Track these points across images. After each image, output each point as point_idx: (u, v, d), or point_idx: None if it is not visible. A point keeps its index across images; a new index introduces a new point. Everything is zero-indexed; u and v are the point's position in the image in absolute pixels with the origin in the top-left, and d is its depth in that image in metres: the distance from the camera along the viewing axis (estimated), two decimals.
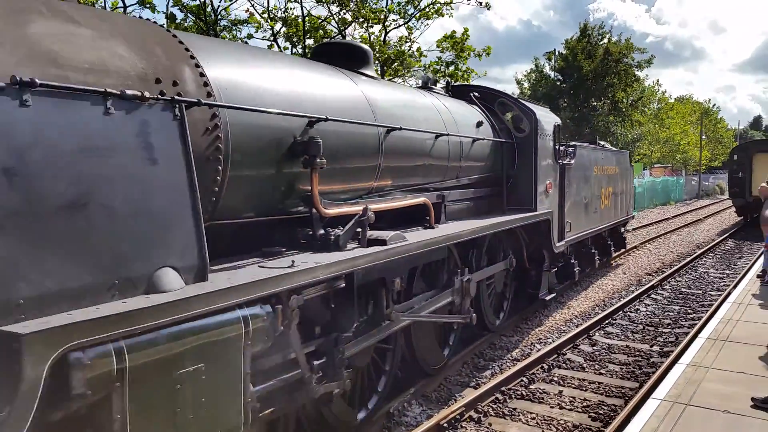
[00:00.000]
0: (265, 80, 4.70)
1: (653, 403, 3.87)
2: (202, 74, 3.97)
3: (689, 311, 11.28)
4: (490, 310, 8.99)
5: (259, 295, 3.63)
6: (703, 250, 18.39)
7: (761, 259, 9.60)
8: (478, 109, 9.13)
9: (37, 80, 2.85)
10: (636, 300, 12.04)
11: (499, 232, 8.33)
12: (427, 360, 7.13)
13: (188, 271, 3.44)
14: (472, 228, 7.13)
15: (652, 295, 12.63)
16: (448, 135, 7.40)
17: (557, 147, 10.53)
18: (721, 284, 13.65)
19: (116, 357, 2.83)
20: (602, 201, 13.39)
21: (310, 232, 4.86)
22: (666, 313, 11.16)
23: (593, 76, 28.62)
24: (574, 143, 12.11)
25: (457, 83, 10.17)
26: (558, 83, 30.00)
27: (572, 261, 11.88)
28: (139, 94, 3.30)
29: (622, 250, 16.85)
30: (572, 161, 11.34)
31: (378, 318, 5.56)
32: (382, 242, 5.17)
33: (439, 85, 9.28)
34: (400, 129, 6.24)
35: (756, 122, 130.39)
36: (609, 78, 28.93)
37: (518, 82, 31.68)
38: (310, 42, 14.55)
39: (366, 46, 7.53)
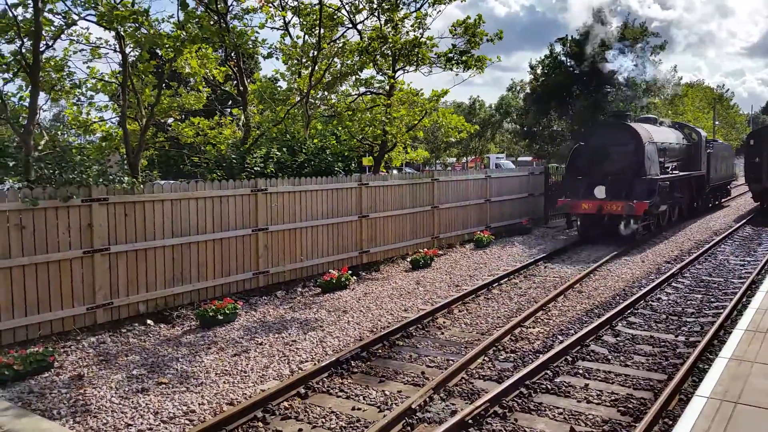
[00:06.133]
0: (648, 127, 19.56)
1: (699, 401, 3.63)
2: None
3: (712, 299, 11.01)
4: (686, 210, 22.31)
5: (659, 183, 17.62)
6: (721, 236, 18.04)
7: None
8: (679, 130, 23.36)
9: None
10: (657, 289, 11.78)
11: (693, 177, 22.13)
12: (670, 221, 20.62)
13: None
14: (693, 173, 22.17)
15: (673, 284, 12.36)
16: (681, 143, 22.21)
17: (706, 144, 23.76)
18: (743, 272, 13.34)
19: None
20: (721, 169, 26.52)
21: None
22: (688, 302, 10.90)
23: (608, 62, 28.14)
24: (711, 142, 25.77)
25: (669, 121, 24.61)
26: (571, 69, 29.49)
27: (710, 197, 25.94)
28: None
29: (729, 197, 30.80)
30: (711, 150, 24.19)
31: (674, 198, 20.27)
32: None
33: (667, 121, 24.25)
34: (674, 142, 21.55)
35: None
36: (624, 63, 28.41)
37: (532, 68, 31.12)
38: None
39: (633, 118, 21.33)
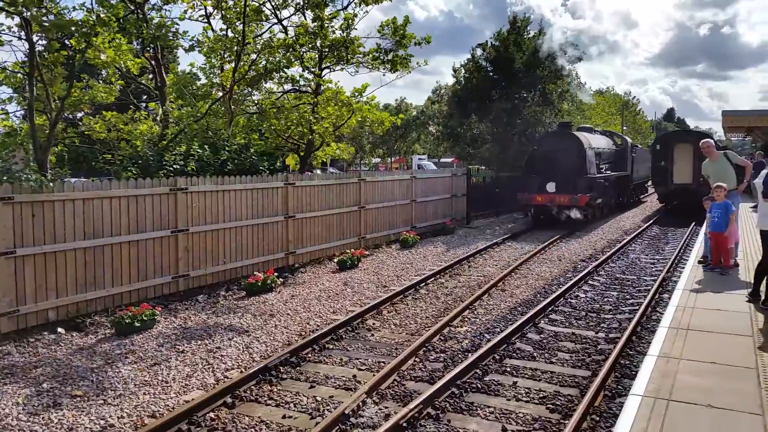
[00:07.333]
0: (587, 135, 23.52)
1: (634, 399, 3.71)
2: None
3: (627, 297, 11.50)
4: (615, 204, 25.94)
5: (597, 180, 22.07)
6: (631, 236, 18.98)
7: (702, 245, 9.89)
8: (609, 137, 28.04)
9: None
10: (575, 287, 12.20)
11: (620, 177, 25.68)
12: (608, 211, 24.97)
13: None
14: (621, 173, 25.93)
15: (590, 282, 12.84)
16: (611, 148, 26.42)
17: (631, 149, 27.37)
18: (654, 269, 14.05)
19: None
20: (642, 170, 29.96)
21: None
22: (605, 299, 11.34)
23: (524, 69, 28.98)
24: (634, 147, 28.89)
25: (601, 130, 30.96)
26: (491, 74, 30.17)
27: (633, 193, 30.12)
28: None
29: (646, 194, 35.39)
30: (635, 154, 27.97)
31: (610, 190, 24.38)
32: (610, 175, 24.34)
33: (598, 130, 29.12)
34: (606, 148, 25.68)
35: (669, 114, 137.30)
36: (539, 71, 29.36)
37: (455, 71, 31.61)
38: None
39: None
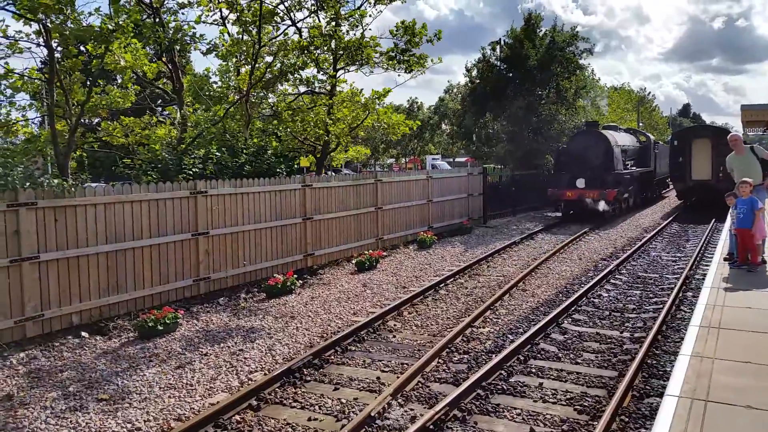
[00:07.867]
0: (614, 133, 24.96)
1: (671, 400, 3.63)
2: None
3: (651, 295, 11.37)
4: (639, 199, 27.01)
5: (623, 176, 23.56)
6: (651, 234, 18.78)
7: (726, 242, 9.72)
8: (633, 135, 29.57)
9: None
10: (597, 286, 12.08)
11: (644, 172, 27.33)
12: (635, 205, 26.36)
13: None
14: (644, 169, 27.57)
15: (611, 280, 12.71)
16: (635, 145, 27.91)
17: (654, 145, 29.21)
18: (675, 267, 13.88)
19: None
20: (664, 166, 30.00)
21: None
22: (629, 298, 11.22)
23: (539, 66, 28.79)
24: (656, 143, 30.26)
25: (624, 128, 31.63)
26: (504, 72, 30.01)
27: (656, 188, 31.95)
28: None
29: (666, 190, 36.67)
30: (657, 151, 29.24)
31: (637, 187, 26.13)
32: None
33: (622, 129, 30.13)
34: (631, 145, 27.19)
35: (685, 109, 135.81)
36: (554, 67, 29.17)
37: (468, 70, 31.51)
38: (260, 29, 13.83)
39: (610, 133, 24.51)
